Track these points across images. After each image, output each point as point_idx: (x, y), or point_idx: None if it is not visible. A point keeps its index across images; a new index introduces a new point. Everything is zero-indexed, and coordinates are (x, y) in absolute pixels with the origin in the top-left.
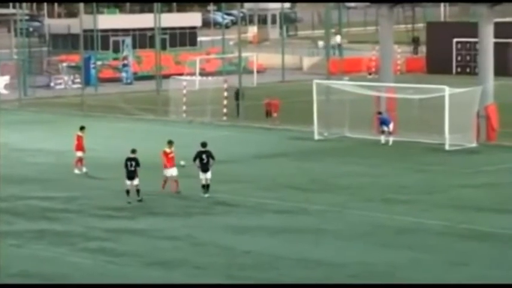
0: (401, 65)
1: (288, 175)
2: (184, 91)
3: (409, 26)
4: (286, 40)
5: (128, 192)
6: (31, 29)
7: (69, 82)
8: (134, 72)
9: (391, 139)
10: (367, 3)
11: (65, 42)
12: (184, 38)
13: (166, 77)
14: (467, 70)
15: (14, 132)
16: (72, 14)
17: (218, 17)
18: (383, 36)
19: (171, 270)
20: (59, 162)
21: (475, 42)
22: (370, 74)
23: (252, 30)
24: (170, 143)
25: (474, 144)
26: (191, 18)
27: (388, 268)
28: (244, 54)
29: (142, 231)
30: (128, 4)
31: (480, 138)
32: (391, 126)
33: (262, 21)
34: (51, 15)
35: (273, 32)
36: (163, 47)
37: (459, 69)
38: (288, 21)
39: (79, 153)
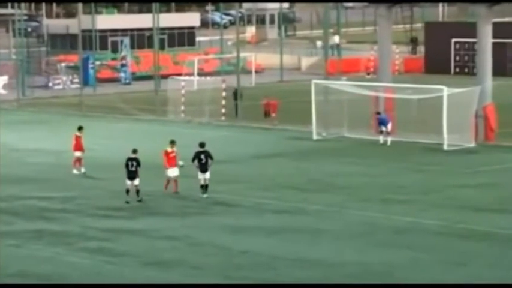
0: (400, 65)
1: (286, 175)
2: (183, 91)
3: (408, 26)
4: (285, 40)
5: (127, 191)
6: (29, 29)
7: (68, 82)
8: (132, 73)
9: (389, 139)
10: (366, 3)
11: (64, 42)
12: (183, 38)
13: (165, 77)
14: (466, 70)
15: (12, 132)
16: (71, 14)
17: (216, 17)
18: (381, 36)
19: (169, 270)
20: (57, 162)
21: (474, 43)
22: (368, 74)
23: (250, 30)
24: (172, 142)
25: (472, 144)
26: (189, 18)
27: (386, 268)
28: (242, 54)
29: (140, 231)
30: (126, 4)
31: (478, 138)
32: (389, 126)
33: (261, 21)
34: (49, 15)
35: (271, 32)
36: (162, 47)
37: (457, 70)
38: (286, 21)
39: (77, 154)
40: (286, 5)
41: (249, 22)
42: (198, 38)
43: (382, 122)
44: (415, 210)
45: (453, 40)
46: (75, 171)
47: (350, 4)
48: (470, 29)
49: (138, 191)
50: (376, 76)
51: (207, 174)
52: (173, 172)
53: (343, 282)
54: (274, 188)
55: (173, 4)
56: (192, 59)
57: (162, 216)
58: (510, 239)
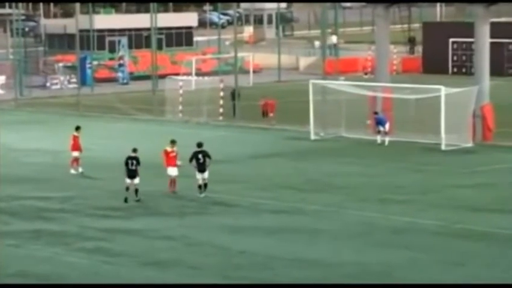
0: (398, 65)
1: (284, 175)
2: (181, 91)
3: (405, 26)
4: (283, 40)
5: (127, 188)
6: (27, 29)
7: (65, 82)
8: (130, 72)
9: (387, 139)
10: (363, 3)
11: (61, 42)
12: (181, 38)
13: (163, 77)
14: (463, 70)
15: (10, 132)
16: (68, 14)
17: (214, 17)
18: (379, 36)
19: (167, 270)
20: (55, 162)
21: (471, 42)
22: (366, 74)
23: (248, 30)
24: (173, 142)
25: (470, 144)
26: (187, 18)
27: (384, 268)
28: (240, 54)
29: (138, 231)
30: (123, 4)
31: (476, 138)
32: (387, 126)
33: (259, 21)
34: (47, 15)
35: (269, 32)
36: (160, 47)
37: (455, 69)
38: (284, 21)
39: (75, 153)
40: (284, 4)
41: (247, 22)
42: (195, 38)
43: (380, 122)
44: (413, 210)
45: (451, 40)
46: (72, 171)
47: (348, 4)
48: (467, 29)
49: (136, 191)
50: (374, 76)
51: (205, 174)
52: (172, 171)
53: (341, 282)
54: (272, 188)
55: (171, 4)
56: (190, 58)
57: (160, 216)
58: (508, 238)
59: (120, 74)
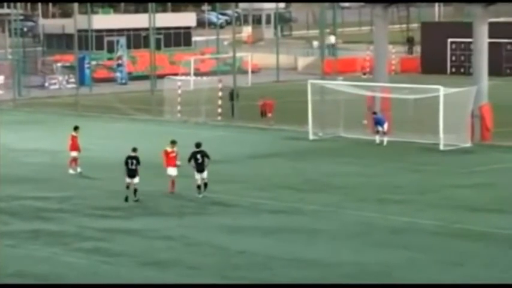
0: (396, 65)
1: (283, 175)
2: (179, 91)
3: (404, 26)
4: (281, 40)
5: (127, 187)
6: (25, 29)
7: (64, 82)
8: (129, 72)
9: (385, 139)
10: (362, 3)
11: (59, 42)
12: (179, 38)
13: (161, 77)
14: (462, 70)
15: (9, 132)
16: (67, 14)
17: (213, 17)
18: (377, 36)
19: (166, 270)
20: (54, 162)
21: (470, 42)
22: (364, 74)
23: (247, 30)
24: (173, 142)
25: (468, 144)
26: (186, 18)
27: (382, 268)
28: (238, 54)
29: (137, 231)
30: (122, 4)
31: (474, 138)
32: (385, 126)
33: (257, 21)
34: (45, 15)
35: (268, 32)
36: (158, 47)
37: (453, 69)
38: (283, 21)
39: (73, 153)
40: (282, 5)
41: (245, 22)
42: (194, 38)
43: (378, 122)
44: (411, 210)
45: (449, 40)
46: (71, 171)
47: (346, 4)
48: (466, 29)
49: (135, 191)
50: (373, 76)
51: (204, 174)
52: (172, 172)
53: (340, 282)
54: (270, 188)
55: (169, 4)
56: (188, 59)
57: (159, 216)
58: (507, 238)
59: (118, 74)
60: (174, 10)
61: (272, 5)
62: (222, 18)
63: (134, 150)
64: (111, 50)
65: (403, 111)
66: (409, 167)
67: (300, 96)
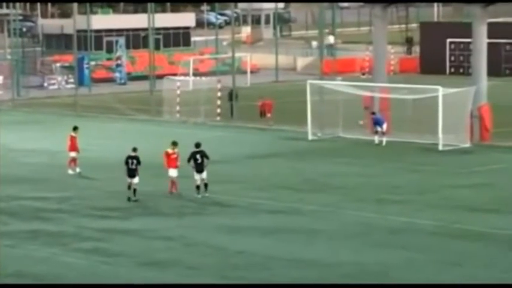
0: (395, 65)
1: (282, 175)
2: (178, 91)
3: (403, 26)
4: (280, 40)
5: (129, 187)
6: (24, 29)
7: (63, 82)
8: (128, 73)
9: (384, 139)
10: (361, 4)
11: (59, 42)
12: (178, 38)
13: (160, 77)
14: (461, 70)
15: (8, 133)
16: (66, 14)
17: (212, 17)
18: (376, 37)
19: (165, 270)
20: (53, 163)
21: (469, 43)
22: (363, 74)
23: (246, 31)
24: (174, 144)
25: (467, 145)
26: (185, 19)
27: (381, 268)
28: (237, 55)
29: (136, 232)
30: (121, 4)
31: (473, 138)
32: (384, 126)
33: (256, 21)
34: (44, 15)
35: (267, 32)
36: (157, 47)
37: (453, 70)
38: (282, 21)
39: (72, 154)
40: (281, 5)
41: (245, 22)
42: (193, 38)
43: (377, 122)
44: (410, 210)
45: (448, 40)
46: (70, 172)
47: (345, 4)
48: (465, 29)
49: (134, 191)
50: (372, 76)
51: (203, 175)
52: (173, 173)
53: (339, 282)
54: (269, 188)
55: (168, 4)
56: (187, 59)
57: (158, 217)
58: (505, 239)
59: (117, 74)
60: (173, 10)
61: (271, 5)
62: (221, 19)
63: (134, 150)
64: (110, 50)
65: (402, 111)
66: (408, 167)
67: (299, 96)
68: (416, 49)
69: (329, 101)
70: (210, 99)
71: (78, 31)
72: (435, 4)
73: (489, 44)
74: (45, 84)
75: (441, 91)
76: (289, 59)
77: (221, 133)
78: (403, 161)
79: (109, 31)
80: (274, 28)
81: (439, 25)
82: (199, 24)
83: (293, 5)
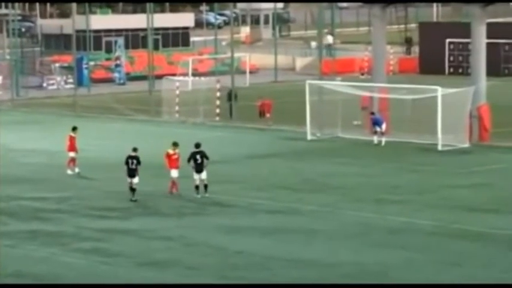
0: (394, 66)
1: (281, 175)
2: (177, 91)
3: (402, 26)
4: (279, 40)
5: (131, 188)
6: (23, 29)
7: (62, 82)
8: (127, 73)
9: (383, 139)
10: (360, 4)
11: (58, 42)
12: (177, 38)
13: (159, 77)
14: (460, 70)
15: (7, 133)
16: (65, 15)
17: (211, 17)
18: (376, 37)
19: (164, 270)
20: (52, 163)
21: (468, 43)
22: (362, 74)
23: (245, 31)
24: (175, 144)
25: (466, 145)
26: (184, 19)
27: (380, 268)
28: (236, 55)
29: (135, 232)
30: (120, 4)
31: (472, 138)
32: (383, 126)
33: (255, 21)
34: (43, 15)
35: (266, 32)
36: (156, 48)
37: (452, 70)
38: (281, 21)
39: (71, 154)
40: (280, 5)
41: (244, 22)
42: (192, 38)
43: (376, 123)
44: (409, 210)
45: (447, 40)
46: (69, 172)
47: (344, 4)
48: (464, 29)
49: (134, 190)
50: (371, 76)
51: (203, 175)
52: (174, 174)
53: (338, 282)
54: (268, 188)
55: (167, 4)
56: (187, 59)
57: (157, 217)
58: (504, 239)
59: (116, 75)
60: (172, 10)
61: (270, 5)
62: (220, 19)
63: (134, 150)
64: (109, 50)
65: (401, 111)
66: (407, 167)
67: (298, 96)
68: (416, 49)
69: (328, 101)
70: (209, 100)
71: (77, 31)
72: (434, 4)
73: (488, 44)
74: (44, 85)
75: (440, 91)
76: (288, 59)
77: (220, 133)
78: (402, 161)
79: (108, 31)
80: (273, 28)
81: (438, 25)
82: (198, 24)
83: (292, 5)
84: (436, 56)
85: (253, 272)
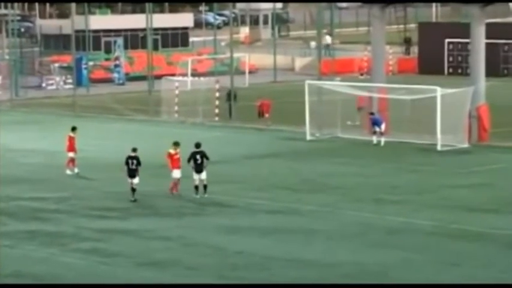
0: (393, 66)
1: (280, 175)
2: (176, 92)
3: (401, 26)
4: (278, 40)
5: (132, 189)
6: (22, 30)
7: (61, 83)
8: (126, 73)
9: (382, 139)
10: (359, 4)
11: (57, 42)
12: (176, 38)
13: (158, 77)
14: (459, 71)
15: (6, 133)
16: (64, 15)
17: (210, 17)
18: (375, 37)
19: (163, 270)
20: (51, 163)
21: (467, 43)
22: (362, 74)
23: (244, 31)
24: (176, 144)
25: (466, 145)
26: (183, 19)
27: (380, 268)
28: (236, 55)
29: (135, 232)
30: (119, 4)
31: (472, 138)
32: (383, 126)
33: (254, 21)
34: (42, 15)
35: (265, 33)
36: (155, 48)
37: (451, 70)
38: (280, 21)
39: (71, 154)
40: (279, 5)
41: (243, 22)
42: (191, 39)
43: (375, 123)
44: (408, 210)
45: (446, 41)
46: (68, 172)
47: (344, 4)
48: (463, 30)
49: (134, 190)
50: (370, 77)
51: (203, 175)
52: (176, 174)
53: (337, 282)
54: (267, 188)
55: (167, 4)
56: (186, 59)
57: (156, 217)
58: (504, 239)
59: (116, 75)
60: (171, 11)
61: (269, 6)
62: (220, 19)
63: (134, 150)
64: (108, 50)
65: (401, 111)
66: (406, 168)
67: (298, 96)
68: (415, 49)
69: (327, 101)
70: (209, 100)
71: (77, 31)
72: (433, 4)
73: (487, 44)
74: (44, 85)
75: (439, 91)
76: (288, 59)
77: (219, 133)
78: (402, 161)
79: (107, 31)
80: (273, 28)
81: (437, 25)
82: (198, 24)
83: (291, 5)
84: (435, 56)
85: (253, 272)
